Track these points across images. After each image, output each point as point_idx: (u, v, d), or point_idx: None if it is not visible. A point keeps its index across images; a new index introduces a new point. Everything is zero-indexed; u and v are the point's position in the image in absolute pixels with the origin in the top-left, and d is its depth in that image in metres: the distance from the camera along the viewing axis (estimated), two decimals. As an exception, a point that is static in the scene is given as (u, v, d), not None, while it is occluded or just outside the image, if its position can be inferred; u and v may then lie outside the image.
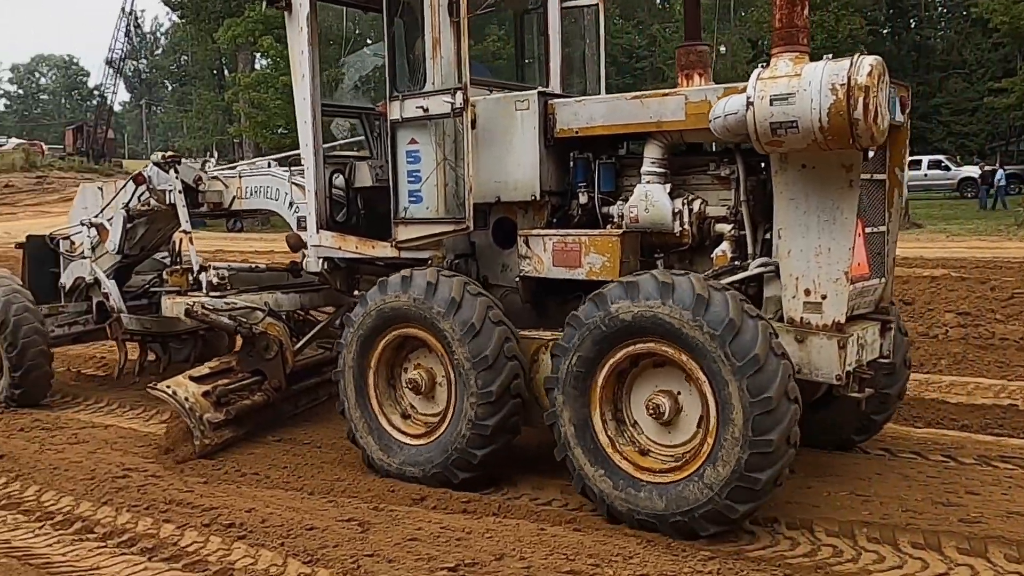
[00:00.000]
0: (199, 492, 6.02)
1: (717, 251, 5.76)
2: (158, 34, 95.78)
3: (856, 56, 4.90)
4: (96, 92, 76.62)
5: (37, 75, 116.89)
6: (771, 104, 4.96)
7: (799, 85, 4.89)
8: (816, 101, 4.82)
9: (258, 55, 47.34)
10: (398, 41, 6.75)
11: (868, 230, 5.73)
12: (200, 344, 9.52)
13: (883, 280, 5.97)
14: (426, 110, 6.27)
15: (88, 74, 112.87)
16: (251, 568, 4.82)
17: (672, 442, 5.28)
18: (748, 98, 5.08)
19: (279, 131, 38.50)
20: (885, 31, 52.33)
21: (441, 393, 6.20)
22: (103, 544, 5.27)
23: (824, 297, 5.25)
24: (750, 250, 5.68)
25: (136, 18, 66.90)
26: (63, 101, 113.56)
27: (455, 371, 5.91)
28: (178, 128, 78.49)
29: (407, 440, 6.29)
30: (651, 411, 5.26)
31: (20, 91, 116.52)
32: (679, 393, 5.23)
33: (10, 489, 6.28)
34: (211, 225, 32.12)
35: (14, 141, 67.91)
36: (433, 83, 6.37)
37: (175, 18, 62.72)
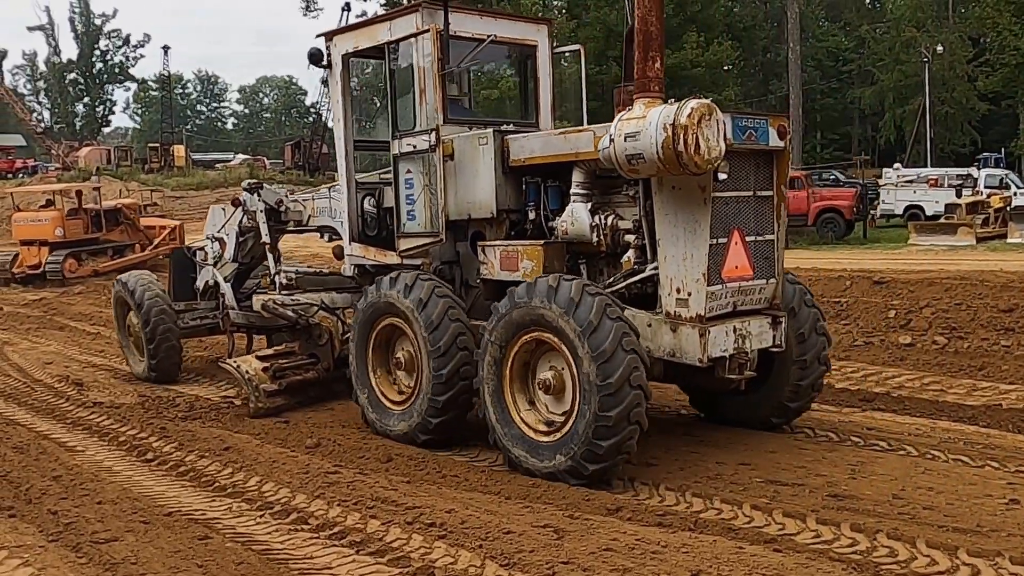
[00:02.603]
0: (403, 491, 6.29)
1: (624, 257, 6.96)
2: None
3: (684, 101, 6.01)
4: (312, 110, 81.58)
5: (261, 95, 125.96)
6: (625, 140, 6.23)
7: (643, 125, 6.11)
8: (653, 138, 6.02)
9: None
10: (399, 90, 8.32)
11: (752, 238, 6.75)
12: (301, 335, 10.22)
13: (772, 281, 6.92)
14: (415, 147, 7.86)
15: (305, 93, 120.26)
16: (451, 567, 4.98)
17: (557, 411, 6.51)
18: (610, 136, 6.35)
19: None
20: None
21: (416, 370, 7.49)
22: (316, 535, 5.61)
23: (689, 295, 6.39)
24: (648, 257, 6.80)
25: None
26: (283, 119, 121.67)
27: (421, 355, 7.29)
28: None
29: (392, 406, 7.73)
30: (541, 384, 6.50)
31: (246, 110, 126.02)
32: (563, 370, 6.39)
33: (235, 479, 6.79)
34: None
35: (240, 157, 73.48)
36: (420, 124, 7.85)
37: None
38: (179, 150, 67.00)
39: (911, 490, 6.08)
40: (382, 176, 8.99)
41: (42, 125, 73.88)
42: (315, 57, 8.69)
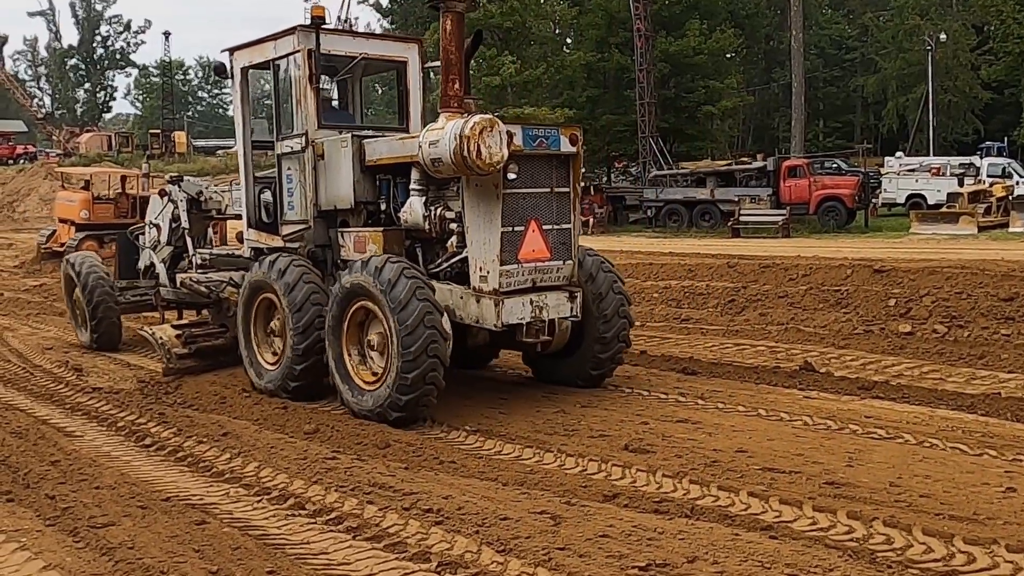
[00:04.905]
0: (400, 477, 6.30)
1: (448, 242, 8.30)
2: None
3: (470, 116, 7.43)
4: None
5: (262, 82, 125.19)
6: (430, 147, 7.74)
7: (442, 135, 7.59)
8: (448, 145, 7.46)
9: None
10: (283, 98, 9.45)
11: (549, 227, 8.11)
12: (214, 309, 11.08)
13: (568, 262, 8.29)
14: (292, 148, 9.13)
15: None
16: (447, 553, 4.99)
17: (381, 364, 7.82)
18: (419, 143, 7.83)
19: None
20: None
21: (284, 332, 8.73)
22: (313, 520, 5.62)
23: (488, 273, 7.76)
24: (466, 242, 7.98)
25: (350, 26, 70.56)
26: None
27: (286, 315, 8.58)
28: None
29: (268, 366, 9.01)
30: (369, 345, 7.95)
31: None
32: (382, 331, 7.71)
33: (233, 464, 6.81)
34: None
35: (241, 144, 73.25)
36: (297, 129, 9.07)
37: (386, 24, 65.54)
38: (180, 136, 66.97)
39: (908, 478, 6.07)
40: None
41: (43, 111, 73.83)
42: (219, 69, 9.90)
